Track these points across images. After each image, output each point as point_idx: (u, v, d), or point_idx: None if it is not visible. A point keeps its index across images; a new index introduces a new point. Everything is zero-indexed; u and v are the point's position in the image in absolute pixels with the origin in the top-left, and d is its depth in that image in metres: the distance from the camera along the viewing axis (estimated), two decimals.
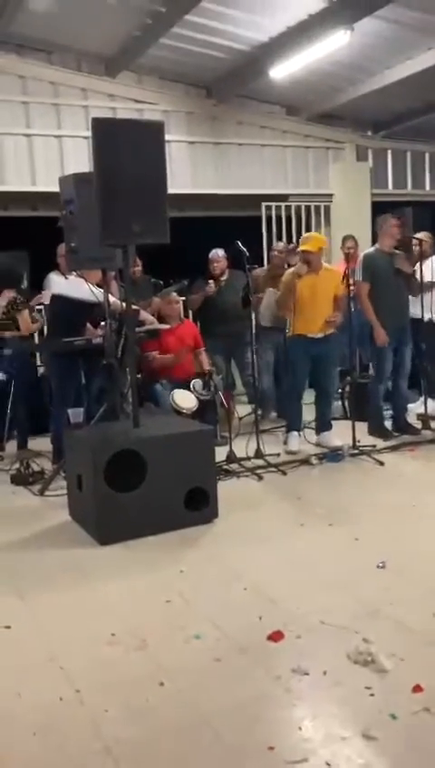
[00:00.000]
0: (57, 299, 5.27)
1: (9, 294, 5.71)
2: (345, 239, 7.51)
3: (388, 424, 6.02)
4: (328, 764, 2.04)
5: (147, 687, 2.48)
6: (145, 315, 5.70)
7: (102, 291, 4.92)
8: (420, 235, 6.18)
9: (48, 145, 7.36)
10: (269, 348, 6.55)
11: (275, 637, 2.76)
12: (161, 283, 6.43)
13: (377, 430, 5.87)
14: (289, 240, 8.52)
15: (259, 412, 5.81)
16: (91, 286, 4.98)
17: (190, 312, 7.07)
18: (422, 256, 6.09)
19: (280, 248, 7.02)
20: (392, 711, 2.25)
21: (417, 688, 2.36)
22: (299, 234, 8.60)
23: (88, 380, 5.54)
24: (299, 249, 5.59)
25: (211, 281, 6.38)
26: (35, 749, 2.19)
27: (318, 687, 2.43)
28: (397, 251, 5.84)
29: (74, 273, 5.11)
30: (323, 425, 5.74)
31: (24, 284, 6.13)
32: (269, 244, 8.47)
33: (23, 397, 5.86)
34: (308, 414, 5.87)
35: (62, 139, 7.41)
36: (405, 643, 2.68)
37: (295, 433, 5.66)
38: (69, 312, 5.18)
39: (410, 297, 6.13)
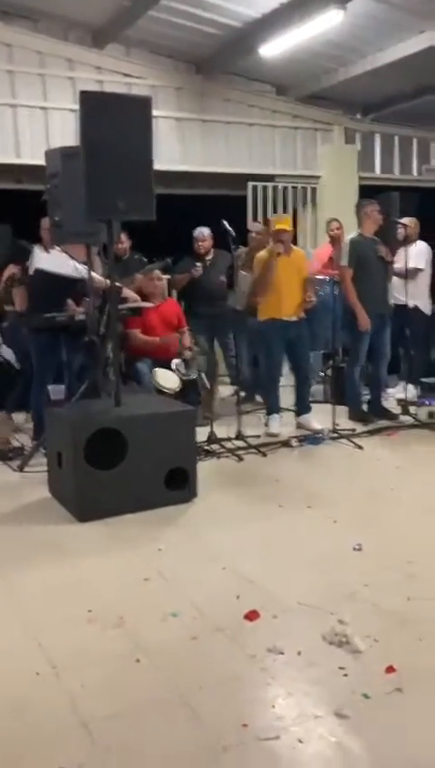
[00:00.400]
0: (39, 274, 5.22)
1: (13, 269, 5.62)
2: (330, 221, 7.49)
3: (365, 408, 6.06)
4: (300, 742, 2.08)
5: (123, 664, 2.50)
6: (128, 292, 5.66)
7: (85, 267, 4.87)
8: (405, 220, 6.18)
9: (34, 117, 7.22)
10: (244, 331, 6.40)
11: (252, 616, 2.79)
12: (145, 260, 6.37)
13: (357, 414, 5.91)
14: None
15: (242, 394, 5.81)
16: (74, 262, 4.93)
17: (175, 291, 7.03)
18: (407, 241, 6.10)
19: (257, 229, 6.80)
20: (365, 691, 2.29)
21: (390, 669, 2.41)
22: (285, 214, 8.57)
23: (69, 357, 5.49)
24: (274, 228, 5.54)
25: (198, 262, 6.34)
26: (12, 724, 2.20)
27: (293, 667, 2.47)
28: (376, 237, 5.85)
29: (57, 247, 5.05)
30: (302, 407, 5.76)
31: None
32: None
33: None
34: (289, 396, 5.88)
35: (47, 111, 7.27)
36: (380, 625, 2.72)
37: (276, 416, 5.68)
38: (50, 288, 5.12)
39: (394, 283, 6.17)
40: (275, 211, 8.54)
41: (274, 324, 5.53)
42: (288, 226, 5.48)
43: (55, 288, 5.12)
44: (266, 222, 6.20)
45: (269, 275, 5.42)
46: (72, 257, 4.97)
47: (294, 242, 6.27)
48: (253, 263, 5.80)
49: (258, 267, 5.55)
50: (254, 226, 7.01)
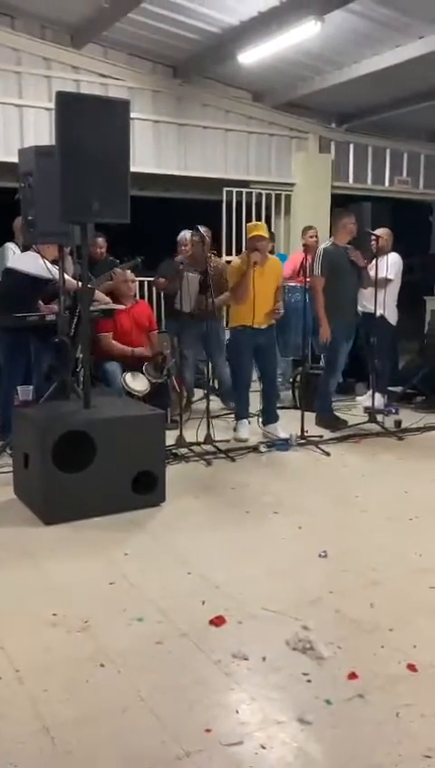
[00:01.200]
0: (9, 272, 5.18)
1: None
2: (307, 229, 7.55)
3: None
4: (263, 747, 2.09)
5: (87, 668, 2.49)
6: (99, 295, 5.63)
7: (57, 267, 4.84)
8: (379, 231, 6.26)
9: (8, 114, 7.15)
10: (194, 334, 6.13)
11: (217, 621, 2.80)
12: (117, 261, 6.35)
13: (326, 421, 5.96)
14: None
15: (210, 398, 5.81)
16: (45, 262, 4.90)
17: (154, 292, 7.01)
18: (380, 252, 6.18)
19: (188, 239, 6.44)
20: (328, 697, 2.32)
21: (352, 675, 2.44)
22: (259, 221, 8.61)
23: (38, 358, 5.45)
24: (251, 235, 5.52)
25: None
26: None
27: (257, 672, 2.48)
28: (348, 245, 5.92)
29: (32, 247, 5.03)
30: (269, 417, 5.76)
31: None
32: (229, 229, 8.47)
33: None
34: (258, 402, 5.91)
35: (22, 108, 7.20)
36: (343, 631, 2.75)
37: (245, 421, 5.70)
38: (20, 287, 5.08)
39: (362, 291, 6.25)
40: (249, 217, 8.59)
41: (244, 331, 5.54)
42: (265, 233, 5.47)
43: (25, 288, 5.08)
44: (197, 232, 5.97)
45: (245, 285, 5.34)
46: (44, 256, 4.93)
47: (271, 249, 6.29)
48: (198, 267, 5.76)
49: (233, 275, 5.54)
50: (185, 237, 6.70)
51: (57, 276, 4.86)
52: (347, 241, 5.92)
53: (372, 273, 6.10)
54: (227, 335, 6.20)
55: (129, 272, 6.10)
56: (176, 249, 6.79)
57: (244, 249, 5.89)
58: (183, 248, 6.41)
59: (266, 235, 5.48)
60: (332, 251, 5.90)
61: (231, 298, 5.69)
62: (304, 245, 7.20)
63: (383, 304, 6.17)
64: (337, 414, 6.14)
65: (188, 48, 7.44)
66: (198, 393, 6.65)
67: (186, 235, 6.38)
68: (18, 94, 7.18)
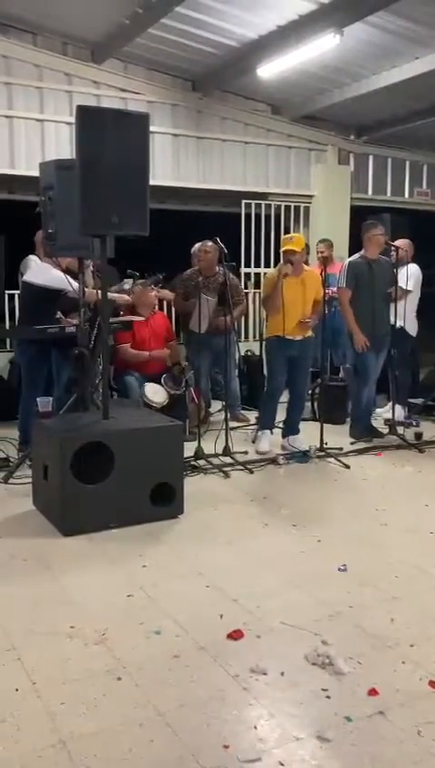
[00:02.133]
0: (25, 285, 5.24)
1: None
2: (318, 243, 7.55)
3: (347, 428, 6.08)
4: (281, 764, 2.06)
5: (104, 682, 2.48)
6: (115, 295, 5.61)
7: (70, 278, 4.87)
8: (398, 242, 6.25)
9: (29, 128, 7.24)
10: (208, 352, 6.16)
11: (235, 635, 2.78)
12: (137, 274, 6.38)
13: (362, 432, 5.92)
14: (267, 239, 8.54)
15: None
16: (57, 272, 4.92)
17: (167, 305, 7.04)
18: (399, 263, 6.16)
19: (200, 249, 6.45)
20: (348, 713, 2.29)
21: (372, 692, 2.40)
22: (278, 233, 8.62)
23: (59, 369, 5.48)
24: (283, 248, 5.53)
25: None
26: None
27: (275, 688, 2.45)
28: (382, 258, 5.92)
29: (48, 259, 5.08)
30: (291, 429, 5.74)
31: None
32: (248, 241, 8.49)
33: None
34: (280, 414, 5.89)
35: (44, 123, 7.29)
36: (363, 647, 2.72)
37: (267, 432, 5.67)
38: (34, 299, 5.15)
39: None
40: (267, 229, 8.61)
41: (277, 342, 5.53)
42: (297, 247, 5.43)
43: (39, 299, 5.13)
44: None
45: (275, 296, 5.36)
46: (60, 266, 4.97)
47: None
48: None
49: (266, 286, 5.58)
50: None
51: (70, 286, 4.90)
52: (377, 254, 5.91)
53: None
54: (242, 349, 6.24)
55: (151, 285, 6.15)
56: (189, 262, 6.81)
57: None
58: (198, 261, 6.40)
59: (298, 248, 5.43)
60: (358, 263, 5.89)
61: (264, 308, 5.73)
62: (319, 258, 7.21)
63: (403, 316, 6.14)
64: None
65: (207, 62, 7.49)
66: (217, 405, 6.64)
67: (203, 246, 6.37)
68: (40, 109, 7.27)
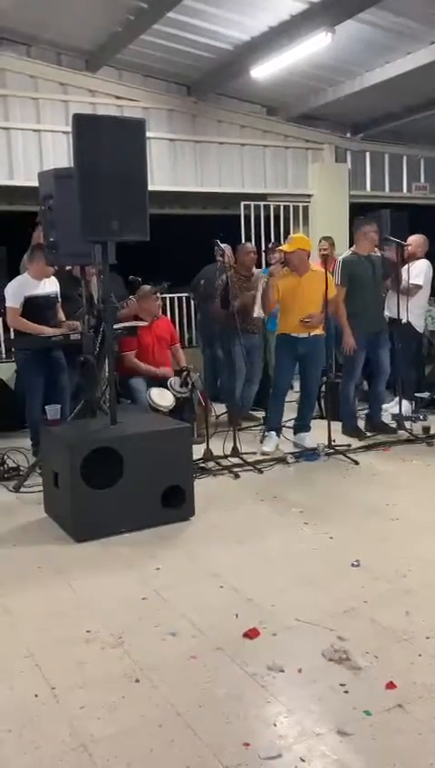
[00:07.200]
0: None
1: None
2: (321, 240, 7.56)
3: (362, 423, 6.08)
4: (302, 760, 2.07)
5: (122, 684, 2.49)
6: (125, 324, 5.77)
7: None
8: (411, 238, 6.26)
9: (27, 139, 7.29)
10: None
11: (251, 634, 2.78)
12: (139, 280, 6.40)
13: (350, 431, 5.93)
14: (267, 239, 8.56)
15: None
16: (11, 284, 5.21)
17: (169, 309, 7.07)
18: (409, 258, 6.17)
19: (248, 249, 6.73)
20: (366, 708, 2.29)
21: (390, 685, 2.40)
22: (278, 233, 8.65)
23: (60, 376, 5.49)
24: (276, 249, 5.66)
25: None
26: (10, 746, 2.18)
27: (293, 684, 2.46)
28: (372, 254, 5.92)
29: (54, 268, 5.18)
30: (301, 426, 5.76)
31: None
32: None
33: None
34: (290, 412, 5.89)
35: (41, 133, 7.34)
36: (379, 641, 2.72)
37: (273, 433, 5.66)
38: (28, 308, 5.25)
39: (391, 297, 6.21)
40: (267, 230, 8.63)
41: (283, 339, 5.57)
42: (287, 248, 5.50)
43: (31, 308, 5.23)
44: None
45: (266, 296, 5.56)
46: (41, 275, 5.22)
47: None
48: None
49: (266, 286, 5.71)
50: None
51: (42, 291, 5.20)
52: (369, 250, 5.90)
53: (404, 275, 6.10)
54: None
55: (157, 293, 6.20)
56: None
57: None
58: (240, 260, 6.41)
59: (288, 249, 5.49)
60: (350, 260, 5.88)
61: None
62: (321, 256, 7.22)
63: (410, 311, 6.14)
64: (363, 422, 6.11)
65: (201, 66, 7.53)
66: (220, 408, 6.66)
67: (251, 248, 6.52)
68: (36, 119, 7.33)
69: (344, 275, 5.81)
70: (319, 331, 5.59)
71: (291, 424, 5.86)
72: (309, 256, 5.60)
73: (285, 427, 5.86)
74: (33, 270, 5.27)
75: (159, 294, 6.21)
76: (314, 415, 6.26)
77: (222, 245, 5.68)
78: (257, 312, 6.17)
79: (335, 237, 7.84)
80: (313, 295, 5.45)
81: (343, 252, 7.31)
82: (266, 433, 5.70)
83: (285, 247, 5.52)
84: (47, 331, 5.23)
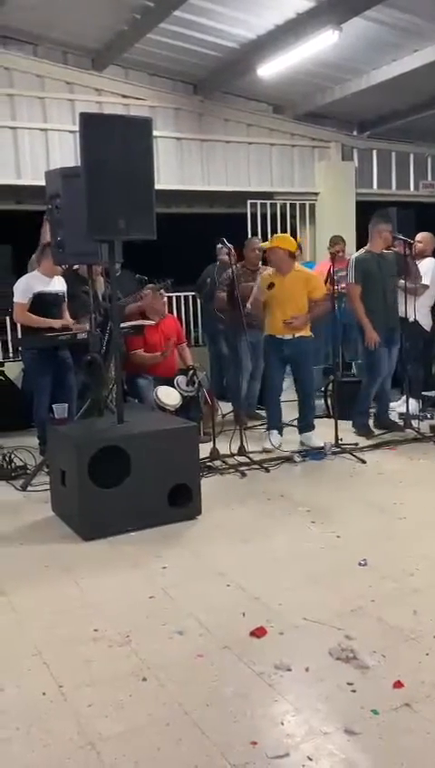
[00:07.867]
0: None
1: None
2: (335, 241, 7.52)
3: (370, 422, 6.08)
4: (310, 759, 2.07)
5: (130, 683, 2.49)
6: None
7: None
8: (419, 236, 6.25)
9: (34, 138, 7.30)
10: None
11: (258, 633, 2.78)
12: (145, 278, 6.41)
13: (362, 429, 5.92)
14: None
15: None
16: (20, 281, 5.23)
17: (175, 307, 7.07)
18: (417, 256, 6.16)
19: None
20: (374, 707, 2.28)
21: (398, 684, 2.40)
22: (284, 231, 8.62)
23: (66, 374, 5.50)
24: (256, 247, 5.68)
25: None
26: (18, 744, 2.19)
27: (301, 683, 2.46)
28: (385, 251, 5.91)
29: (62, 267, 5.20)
30: (304, 426, 5.75)
31: None
32: None
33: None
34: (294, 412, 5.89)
35: (47, 132, 7.36)
36: (386, 640, 2.71)
37: (275, 431, 5.67)
38: (35, 306, 5.27)
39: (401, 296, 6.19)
40: (274, 228, 8.61)
41: (270, 340, 5.59)
42: (267, 244, 5.54)
43: (39, 304, 5.24)
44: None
45: (256, 295, 5.55)
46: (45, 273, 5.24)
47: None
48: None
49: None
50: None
51: (51, 288, 5.20)
52: (382, 249, 5.89)
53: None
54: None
55: (162, 290, 6.19)
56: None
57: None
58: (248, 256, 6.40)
59: (265, 245, 5.59)
60: (364, 258, 5.88)
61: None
62: (331, 255, 7.18)
63: (418, 309, 6.12)
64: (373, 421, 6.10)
65: (208, 64, 7.52)
66: (226, 407, 6.65)
67: (258, 243, 6.46)
68: (43, 119, 7.34)
69: (358, 273, 5.80)
70: (305, 333, 5.55)
71: (296, 424, 5.86)
72: (293, 257, 5.51)
73: (290, 425, 5.85)
74: (43, 267, 5.28)
75: (163, 292, 6.19)
76: (320, 414, 6.27)
77: (228, 244, 5.68)
78: (248, 306, 6.12)
79: (342, 235, 7.82)
80: (295, 296, 5.43)
81: (348, 251, 7.30)
82: (267, 432, 5.69)
83: (264, 244, 5.54)
84: (55, 324, 5.23)
